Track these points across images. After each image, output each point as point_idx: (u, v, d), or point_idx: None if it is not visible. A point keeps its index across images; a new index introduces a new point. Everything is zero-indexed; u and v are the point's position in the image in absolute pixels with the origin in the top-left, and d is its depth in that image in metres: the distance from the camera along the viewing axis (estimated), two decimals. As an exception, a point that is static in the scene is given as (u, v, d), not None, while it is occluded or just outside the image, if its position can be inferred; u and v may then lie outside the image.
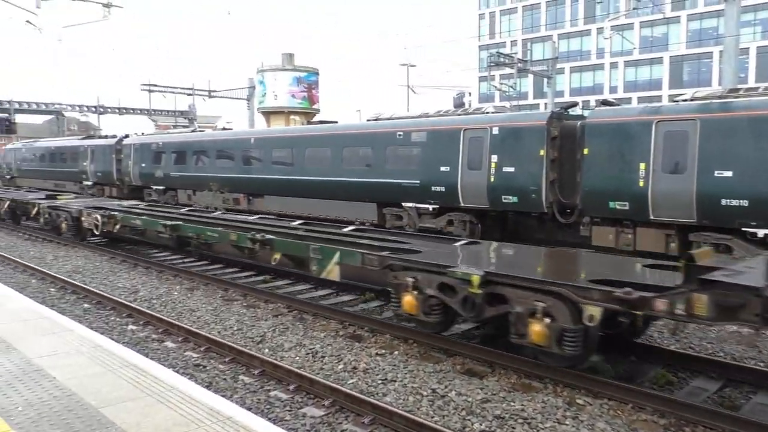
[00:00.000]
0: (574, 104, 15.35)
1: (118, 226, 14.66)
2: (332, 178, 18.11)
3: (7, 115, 43.53)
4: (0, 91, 70.63)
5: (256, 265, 12.96)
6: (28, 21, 19.00)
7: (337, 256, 9.03)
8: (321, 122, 22.12)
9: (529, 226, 14.82)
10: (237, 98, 52.01)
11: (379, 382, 6.96)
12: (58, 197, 20.45)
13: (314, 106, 66.59)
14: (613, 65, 62.77)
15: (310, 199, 18.99)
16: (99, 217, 14.87)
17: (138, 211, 15.61)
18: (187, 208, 16.60)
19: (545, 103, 50.89)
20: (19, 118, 46.91)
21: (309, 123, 26.60)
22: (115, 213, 14.89)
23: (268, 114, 65.45)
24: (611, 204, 12.38)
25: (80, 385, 4.83)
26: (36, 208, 18.62)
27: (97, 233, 15.36)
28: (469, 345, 7.99)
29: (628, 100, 56.09)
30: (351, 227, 11.89)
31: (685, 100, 12.40)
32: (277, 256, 10.29)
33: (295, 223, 12.16)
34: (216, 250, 13.64)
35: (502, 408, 6.21)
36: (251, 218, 13.61)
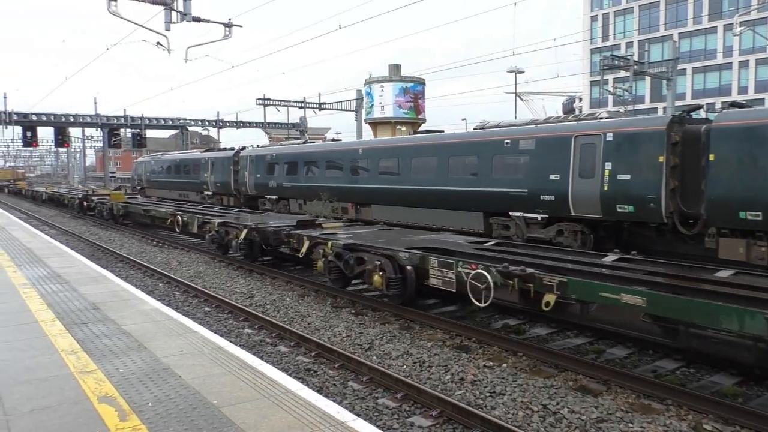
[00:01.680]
0: (698, 107, 14.37)
1: (554, 300, 7.73)
2: (438, 187, 18.11)
3: (138, 130, 47.39)
4: (133, 108, 76.93)
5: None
6: (158, 43, 20.57)
7: None
8: (427, 132, 22.21)
9: (646, 237, 14.00)
10: (345, 110, 53.42)
11: (488, 394, 6.84)
12: (324, 226, 14.45)
13: (420, 116, 67.08)
14: (743, 64, 58.18)
15: (416, 208, 19.10)
16: (488, 276, 8.31)
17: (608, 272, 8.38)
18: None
19: (664, 107, 48.06)
20: (149, 133, 50.86)
21: (415, 133, 26.79)
22: (531, 270, 8.08)
23: (375, 124, 66.74)
24: (742, 214, 11.43)
25: (203, 384, 5.13)
26: (307, 244, 12.40)
27: (481, 304, 8.52)
28: (582, 360, 7.67)
29: (761, 102, 51.74)
30: None
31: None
32: None
33: None
34: None
35: (619, 429, 5.89)
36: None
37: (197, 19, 18.37)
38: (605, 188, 13.68)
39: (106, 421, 4.37)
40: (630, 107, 39.40)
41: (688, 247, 13.15)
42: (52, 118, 43.74)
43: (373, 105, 65.94)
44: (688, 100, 57.74)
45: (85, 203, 31.38)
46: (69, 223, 29.54)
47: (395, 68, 67.47)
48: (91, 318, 7.50)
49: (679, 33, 61.52)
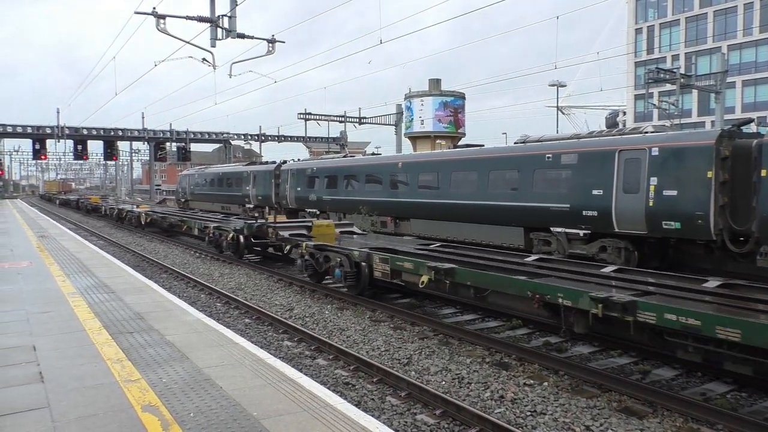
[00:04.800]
0: (749, 121, 13.96)
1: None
2: (478, 201, 17.99)
3: (183, 144, 48.62)
4: (178, 123, 79.16)
5: (402, 288, 13.00)
6: (204, 59, 21.12)
7: None
8: (467, 146, 22.13)
9: (694, 255, 13.60)
10: (385, 124, 53.75)
11: (528, 413, 6.71)
12: None
13: (460, 130, 66.95)
14: (796, 76, 56.33)
15: (455, 222, 18.99)
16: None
17: None
18: None
19: (712, 121, 46.79)
20: (193, 147, 52.12)
21: (455, 147, 26.72)
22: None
23: (415, 139, 66.88)
24: (796, 232, 11.00)
25: (243, 396, 5.17)
26: None
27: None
28: (626, 381, 7.45)
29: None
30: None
31: None
32: None
33: None
34: None
35: (667, 454, 5.68)
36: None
37: (242, 36, 18.79)
38: (650, 204, 13.37)
39: (149, 430, 4.44)
40: (676, 121, 38.50)
41: (739, 266, 12.71)
42: (102, 133, 45.27)
43: (412, 119, 66.16)
44: (738, 114, 56.12)
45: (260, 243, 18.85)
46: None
47: (435, 83, 67.63)
48: (135, 327, 7.67)
49: (728, 45, 59.98)
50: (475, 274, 9.55)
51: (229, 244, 18.77)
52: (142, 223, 29.42)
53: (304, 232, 16.19)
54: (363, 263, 12.13)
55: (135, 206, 36.79)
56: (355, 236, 16.15)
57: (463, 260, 11.07)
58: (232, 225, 19.42)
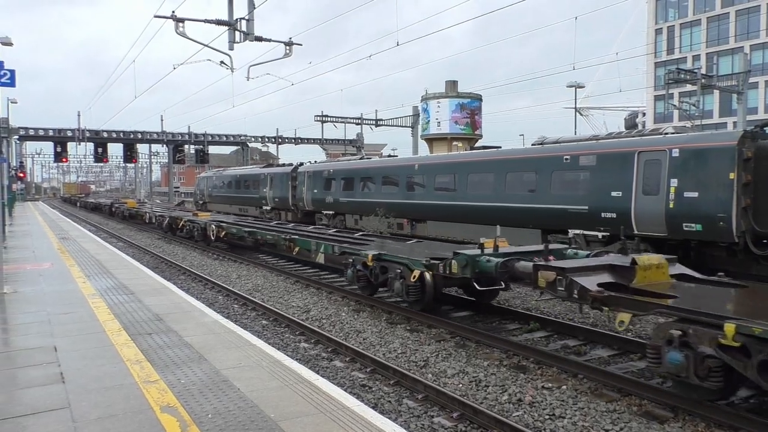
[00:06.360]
0: (772, 122, 13.73)
1: None
2: (495, 203, 17.92)
3: (201, 146, 49.05)
4: (196, 125, 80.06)
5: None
6: (222, 62, 21.29)
7: None
8: (484, 147, 22.04)
9: (715, 258, 13.40)
10: (402, 126, 53.75)
11: (546, 417, 6.64)
12: None
13: (477, 132, 66.75)
14: (819, 76, 55.34)
15: (472, 224, 18.92)
16: None
17: None
18: None
19: (734, 122, 46.15)
20: (211, 149, 52.58)
21: (472, 148, 26.62)
22: None
23: (431, 141, 66.79)
24: (821, 234, 10.79)
25: (261, 397, 5.18)
26: None
27: None
28: (647, 385, 7.35)
29: (838, 115, 48.96)
30: None
31: None
32: None
33: None
34: None
35: (689, 460, 5.59)
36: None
37: (259, 39, 18.91)
38: (671, 206, 13.22)
39: (168, 430, 4.47)
40: (697, 122, 38.00)
41: (761, 268, 12.52)
42: (122, 135, 45.83)
43: (429, 121, 66.10)
44: (761, 115, 55.29)
45: None
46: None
47: (452, 84, 67.52)
48: (154, 329, 7.73)
49: (750, 45, 59.12)
50: None
51: (408, 289, 11.09)
52: (211, 237, 22.29)
53: (607, 277, 8.08)
54: None
55: (192, 214, 29.54)
56: (685, 284, 8.17)
57: None
58: (419, 256, 11.23)
